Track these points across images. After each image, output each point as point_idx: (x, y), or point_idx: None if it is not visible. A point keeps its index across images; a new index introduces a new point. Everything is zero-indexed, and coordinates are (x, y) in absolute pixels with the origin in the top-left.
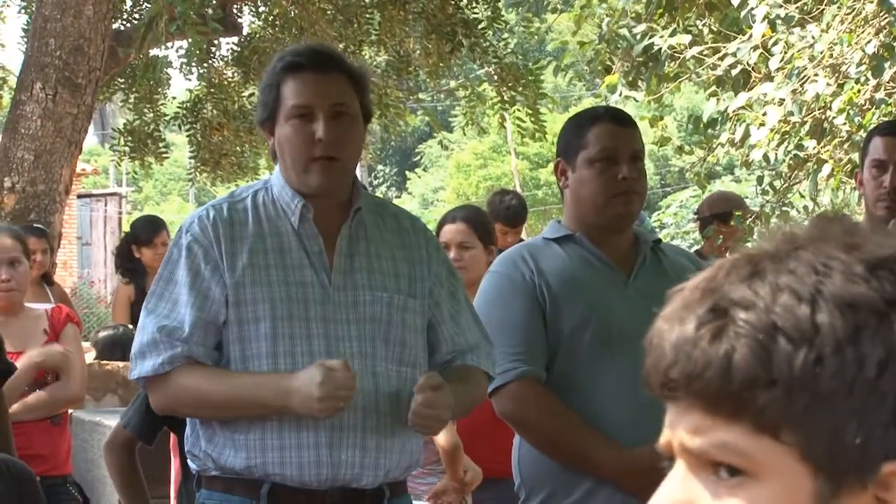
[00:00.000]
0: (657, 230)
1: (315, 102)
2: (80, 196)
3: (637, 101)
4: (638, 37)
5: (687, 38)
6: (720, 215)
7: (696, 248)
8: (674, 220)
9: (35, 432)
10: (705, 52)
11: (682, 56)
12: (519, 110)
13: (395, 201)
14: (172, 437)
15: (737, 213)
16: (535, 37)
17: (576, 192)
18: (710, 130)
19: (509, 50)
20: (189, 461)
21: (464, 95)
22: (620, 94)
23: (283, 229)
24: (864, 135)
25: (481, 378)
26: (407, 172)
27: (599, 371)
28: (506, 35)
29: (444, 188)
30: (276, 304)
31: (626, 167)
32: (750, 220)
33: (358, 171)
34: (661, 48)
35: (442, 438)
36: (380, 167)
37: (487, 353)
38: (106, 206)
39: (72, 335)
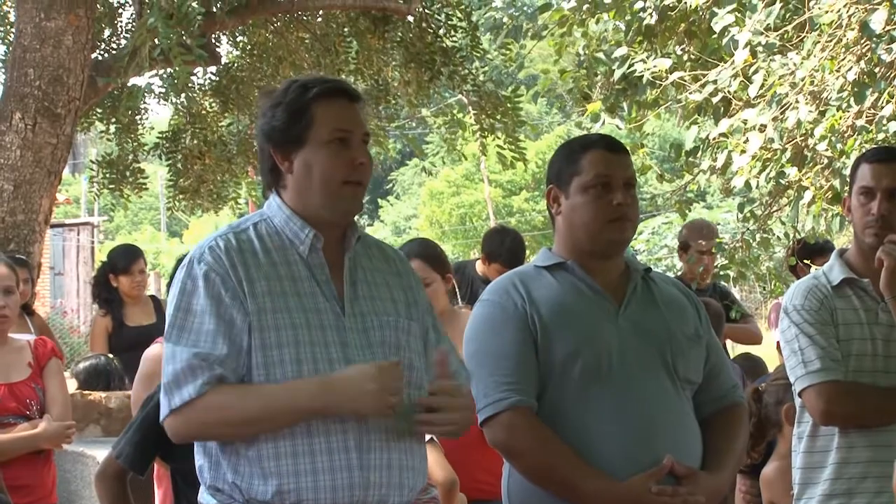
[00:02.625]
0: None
1: (353, 128)
2: (52, 226)
3: (620, 128)
4: (617, 62)
5: (667, 63)
6: (708, 248)
7: (670, 274)
8: (646, 247)
9: (20, 463)
10: (685, 79)
11: (662, 83)
12: (498, 137)
13: (368, 229)
14: (157, 467)
15: (719, 240)
16: (513, 63)
17: (569, 218)
18: (690, 158)
19: (485, 77)
20: (208, 496)
21: (442, 122)
22: (603, 123)
23: (292, 258)
24: (846, 161)
25: (470, 400)
26: (379, 200)
27: (590, 401)
28: (481, 63)
29: (416, 216)
30: (298, 330)
31: (620, 194)
32: (730, 247)
33: None
34: (641, 74)
35: (439, 474)
36: None
37: (467, 378)
38: (78, 235)
39: (55, 369)
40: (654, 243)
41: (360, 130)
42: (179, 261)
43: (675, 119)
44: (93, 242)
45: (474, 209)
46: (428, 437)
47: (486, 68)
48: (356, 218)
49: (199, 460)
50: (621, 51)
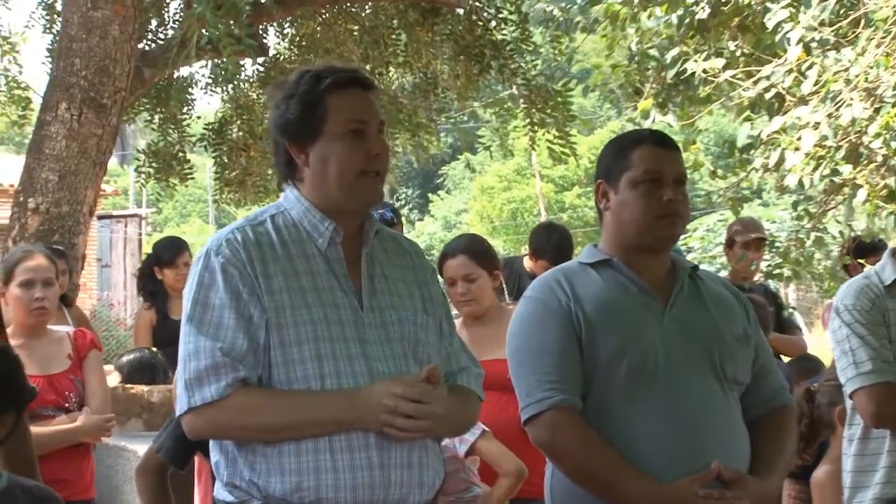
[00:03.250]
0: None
1: (368, 118)
2: (99, 217)
3: (672, 126)
4: (669, 60)
5: (721, 62)
6: (755, 241)
7: (723, 272)
8: (700, 245)
9: (58, 457)
10: (738, 76)
11: (715, 80)
12: (548, 132)
13: (418, 224)
14: (197, 461)
15: (772, 238)
16: (563, 56)
17: (618, 213)
18: (744, 155)
19: (537, 71)
20: (225, 492)
21: (492, 114)
22: (654, 120)
23: (310, 252)
24: None
25: (473, 399)
26: (429, 194)
27: (635, 402)
28: (532, 57)
29: (467, 211)
30: (317, 326)
31: (670, 189)
32: (784, 245)
33: None
34: (693, 72)
35: (508, 464)
36: (402, 189)
37: (476, 375)
38: (126, 227)
39: (95, 361)
40: (709, 241)
41: (376, 120)
42: None
43: (730, 115)
44: (140, 234)
45: (525, 204)
46: (476, 431)
47: (537, 62)
48: (404, 211)
49: (215, 456)
50: (674, 52)
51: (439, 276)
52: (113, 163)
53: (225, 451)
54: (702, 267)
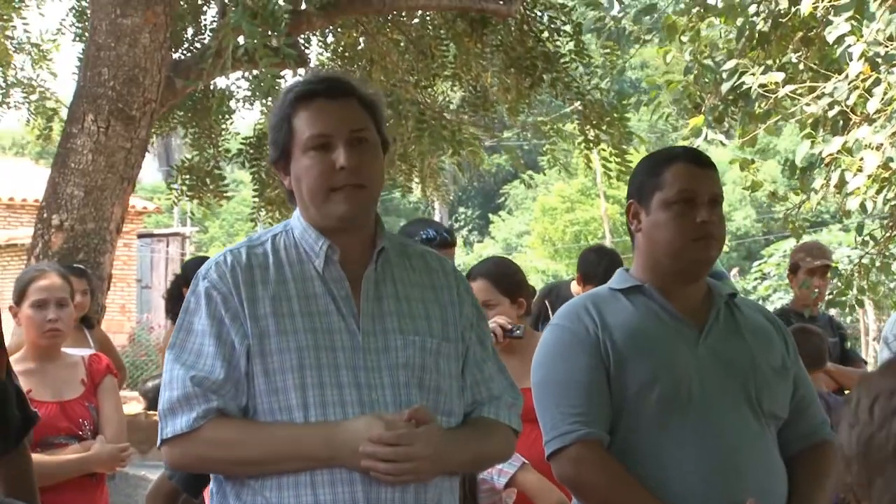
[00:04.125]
0: (759, 280)
1: (333, 131)
2: (140, 236)
3: (724, 144)
4: (725, 74)
5: (780, 76)
6: (821, 268)
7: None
8: (776, 271)
9: (70, 487)
10: (800, 92)
11: (774, 95)
12: (604, 150)
13: (477, 246)
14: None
15: (835, 264)
16: (615, 70)
17: (649, 235)
18: (806, 175)
19: (593, 85)
20: None
21: (546, 130)
22: (706, 138)
23: (307, 273)
24: None
25: (500, 431)
26: (490, 215)
27: (666, 436)
28: (587, 69)
29: (529, 233)
30: (302, 353)
31: (704, 210)
32: (847, 271)
33: (437, 213)
34: (750, 87)
35: (548, 497)
36: (461, 209)
37: (510, 405)
38: (168, 246)
39: (110, 388)
40: (786, 267)
41: (345, 129)
42: None
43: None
44: (182, 254)
45: (590, 226)
46: (516, 464)
47: (593, 76)
48: (463, 232)
49: (211, 484)
50: (730, 63)
51: None
52: (157, 178)
53: (217, 479)
54: (778, 295)
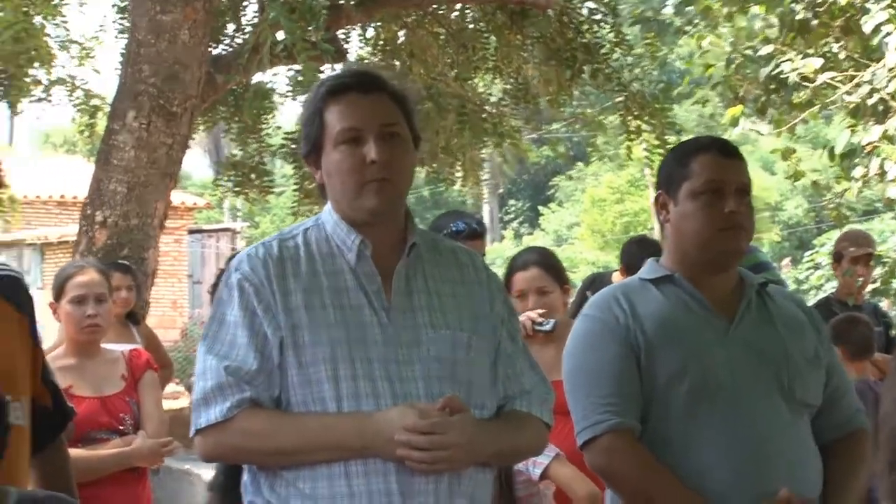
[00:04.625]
0: (812, 270)
1: (364, 124)
2: (190, 231)
3: (761, 133)
4: (762, 60)
5: (818, 63)
6: (864, 257)
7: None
8: (828, 261)
9: (111, 482)
10: (839, 80)
11: (811, 83)
12: (646, 140)
13: (527, 238)
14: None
15: (879, 254)
16: (656, 60)
17: (678, 226)
18: (847, 163)
19: (634, 76)
20: None
21: (593, 120)
22: (742, 128)
23: (339, 267)
24: None
25: (533, 425)
26: (540, 207)
27: (697, 425)
28: (628, 60)
29: (578, 224)
30: (335, 346)
31: (732, 200)
32: (893, 260)
33: (486, 206)
34: (788, 75)
35: (581, 487)
36: (511, 201)
37: (542, 400)
38: (218, 242)
39: (151, 383)
40: None
41: (376, 123)
42: None
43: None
44: (233, 249)
45: (639, 217)
46: (550, 454)
47: (634, 66)
48: (502, 225)
49: (244, 476)
50: (766, 49)
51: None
52: (208, 174)
53: (251, 470)
54: (829, 284)
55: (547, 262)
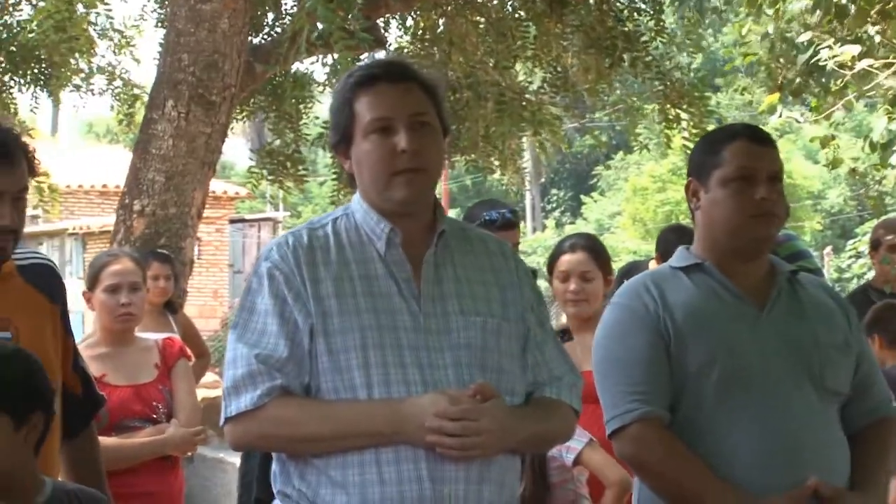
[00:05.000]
0: (854, 259)
1: (394, 114)
2: (231, 221)
3: (798, 121)
4: (802, 45)
5: (856, 49)
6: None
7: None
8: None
9: (145, 469)
10: (876, 67)
11: (850, 70)
12: (685, 129)
13: (569, 228)
14: None
15: None
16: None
17: (708, 213)
18: (886, 151)
19: (674, 64)
20: (278, 501)
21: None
22: (780, 115)
23: (369, 256)
24: None
25: (562, 411)
26: (582, 196)
27: (728, 414)
28: (671, 49)
29: (620, 213)
30: (365, 333)
31: (763, 188)
32: None
33: (528, 195)
34: (825, 63)
35: (612, 473)
36: (553, 191)
37: (571, 385)
38: (259, 231)
39: (183, 371)
40: None
41: (406, 113)
42: None
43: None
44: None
45: (681, 206)
46: (583, 440)
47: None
48: (544, 214)
49: (274, 465)
50: (805, 35)
51: (546, 273)
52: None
53: (280, 459)
54: (870, 274)
55: (594, 248)
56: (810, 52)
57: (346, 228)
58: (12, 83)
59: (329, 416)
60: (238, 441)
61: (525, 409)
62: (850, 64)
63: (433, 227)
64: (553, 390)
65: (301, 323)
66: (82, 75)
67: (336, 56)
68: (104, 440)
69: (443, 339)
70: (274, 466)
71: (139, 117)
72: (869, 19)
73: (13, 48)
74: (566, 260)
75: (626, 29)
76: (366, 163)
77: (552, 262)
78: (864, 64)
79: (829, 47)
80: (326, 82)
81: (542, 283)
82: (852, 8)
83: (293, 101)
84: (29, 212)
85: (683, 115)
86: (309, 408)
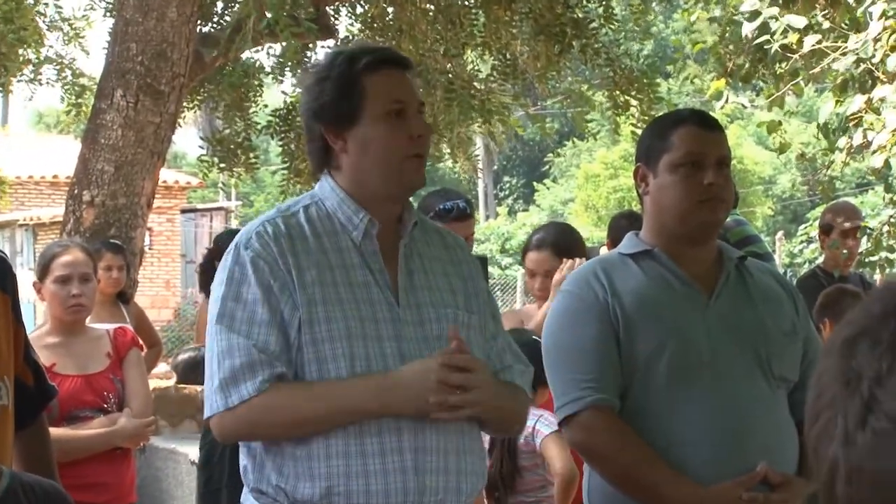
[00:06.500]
0: (805, 244)
1: (408, 100)
2: (183, 211)
3: (745, 107)
4: (747, 16)
5: (802, 21)
6: (853, 229)
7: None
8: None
9: (98, 460)
10: (826, 46)
11: (795, 52)
12: (632, 115)
13: (521, 215)
14: None
15: (863, 226)
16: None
17: (657, 199)
18: (834, 135)
19: (622, 51)
20: (251, 498)
21: (563, 101)
22: (727, 101)
23: (344, 245)
24: None
25: (521, 396)
26: (534, 183)
27: (677, 401)
28: (617, 36)
29: (573, 200)
30: (350, 324)
31: (711, 172)
32: (876, 231)
33: (481, 183)
34: (772, 45)
35: (559, 465)
36: (506, 178)
37: (521, 372)
38: (211, 221)
39: (135, 361)
40: None
41: (415, 100)
42: None
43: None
44: (226, 228)
45: (633, 193)
46: (552, 428)
47: (624, 41)
48: (508, 201)
49: (243, 461)
50: (750, 3)
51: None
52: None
53: (252, 454)
54: (822, 258)
55: (558, 244)
56: (756, 29)
57: (318, 216)
58: None
59: (324, 393)
60: (226, 432)
61: (499, 384)
62: (794, 46)
63: (401, 217)
64: (507, 376)
65: (288, 313)
66: (31, 67)
67: (283, 45)
68: (55, 431)
69: (417, 331)
70: (244, 462)
71: (88, 108)
72: (818, 5)
73: None
74: (532, 258)
75: (576, 16)
76: (378, 145)
77: (523, 254)
78: (811, 41)
79: (775, 18)
80: (273, 71)
81: (493, 270)
82: None
83: (239, 88)
84: None
85: (633, 102)
86: (304, 390)
